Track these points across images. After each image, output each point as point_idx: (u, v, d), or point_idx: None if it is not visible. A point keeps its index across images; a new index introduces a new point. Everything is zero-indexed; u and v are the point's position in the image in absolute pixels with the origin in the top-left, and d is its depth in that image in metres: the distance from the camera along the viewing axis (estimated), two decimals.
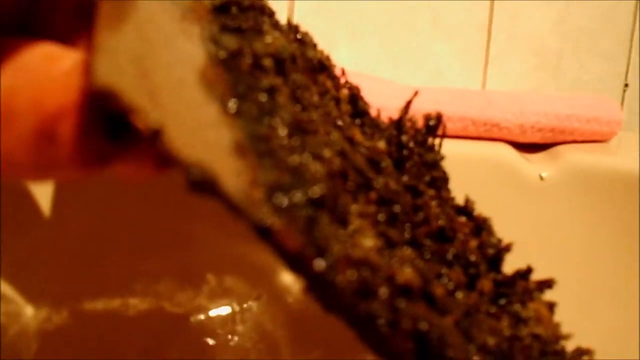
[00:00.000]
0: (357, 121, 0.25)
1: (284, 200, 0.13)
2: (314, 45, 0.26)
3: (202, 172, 0.11)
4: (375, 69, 0.57)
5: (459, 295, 0.18)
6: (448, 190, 0.25)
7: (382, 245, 0.16)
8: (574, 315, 0.25)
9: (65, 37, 0.17)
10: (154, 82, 0.13)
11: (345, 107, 0.25)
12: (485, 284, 0.20)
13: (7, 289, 0.29)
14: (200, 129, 0.13)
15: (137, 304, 0.33)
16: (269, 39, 0.19)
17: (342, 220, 0.14)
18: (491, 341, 0.16)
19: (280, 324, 0.38)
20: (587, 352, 0.21)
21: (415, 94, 0.27)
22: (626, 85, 0.68)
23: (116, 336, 0.32)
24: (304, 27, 0.26)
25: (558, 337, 0.20)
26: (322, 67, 0.25)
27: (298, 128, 0.16)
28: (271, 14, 0.23)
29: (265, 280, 0.39)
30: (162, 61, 0.14)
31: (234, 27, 0.18)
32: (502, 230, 0.24)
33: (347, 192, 0.17)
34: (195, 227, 0.37)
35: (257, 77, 0.17)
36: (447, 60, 0.59)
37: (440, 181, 0.25)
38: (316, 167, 0.15)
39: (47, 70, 0.14)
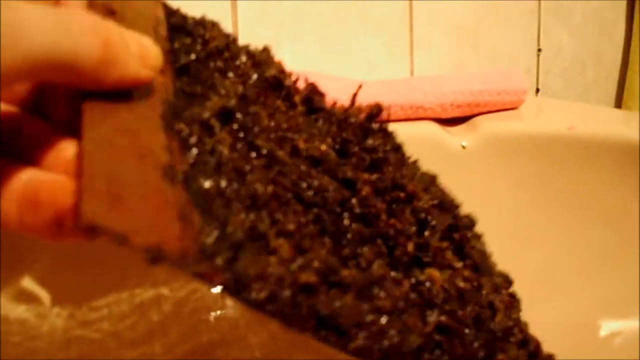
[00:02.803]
0: (313, 117, 0.28)
1: (210, 251, 0.18)
2: (271, 62, 0.28)
3: (156, 254, 0.17)
4: (317, 67, 0.61)
5: (375, 266, 0.23)
6: (396, 168, 0.28)
7: (295, 255, 0.20)
8: (505, 266, 0.30)
9: (66, 123, 0.22)
10: (123, 196, 0.17)
11: (300, 109, 0.28)
12: (403, 251, 0.25)
13: (36, 292, 0.35)
14: (155, 212, 0.18)
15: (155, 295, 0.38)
16: (215, 99, 0.23)
17: (260, 247, 0.19)
18: (387, 303, 0.21)
19: None
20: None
21: (359, 87, 0.31)
22: (539, 50, 0.76)
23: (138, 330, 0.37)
24: (258, 44, 0.29)
25: (447, 297, 0.24)
26: (277, 82, 0.27)
27: (236, 175, 0.21)
28: (231, 55, 0.26)
29: None
30: (130, 170, 0.18)
31: (188, 92, 0.23)
32: None
33: (278, 210, 0.21)
34: None
35: (205, 142, 0.21)
36: (376, 52, 0.65)
37: (383, 161, 0.28)
38: (241, 217, 0.19)
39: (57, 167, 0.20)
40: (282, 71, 0.28)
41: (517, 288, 0.30)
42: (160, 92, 0.21)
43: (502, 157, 0.51)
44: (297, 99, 0.28)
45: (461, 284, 0.26)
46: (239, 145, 0.22)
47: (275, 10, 0.59)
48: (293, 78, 0.29)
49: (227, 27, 0.28)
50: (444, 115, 0.53)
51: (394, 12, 0.64)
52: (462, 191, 0.50)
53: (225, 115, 0.23)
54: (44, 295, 0.36)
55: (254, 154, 0.23)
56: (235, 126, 0.23)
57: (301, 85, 0.29)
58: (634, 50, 0.81)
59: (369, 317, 0.20)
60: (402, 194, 0.27)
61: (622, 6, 0.84)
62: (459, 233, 0.28)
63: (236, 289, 0.18)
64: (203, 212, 0.19)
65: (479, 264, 0.28)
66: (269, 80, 0.27)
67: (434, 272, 0.25)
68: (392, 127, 0.31)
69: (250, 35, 0.57)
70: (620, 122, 0.57)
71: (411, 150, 0.31)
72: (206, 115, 0.22)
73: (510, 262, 0.30)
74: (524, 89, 0.55)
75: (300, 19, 0.60)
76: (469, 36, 0.70)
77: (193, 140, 0.21)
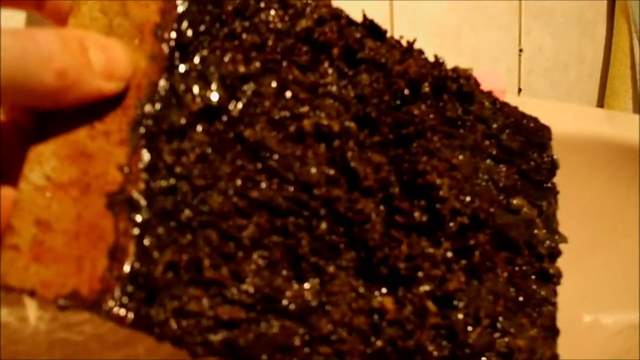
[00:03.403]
0: (351, 73, 0.25)
1: (126, 300, 0.19)
2: (308, 10, 0.24)
3: (68, 303, 0.18)
4: None
5: (337, 282, 0.23)
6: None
7: (229, 283, 0.21)
8: None
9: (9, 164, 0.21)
10: (48, 243, 0.18)
11: (337, 65, 0.25)
12: (387, 267, 0.24)
13: (18, 295, 0.35)
14: (83, 253, 0.19)
15: None
16: (197, 101, 0.21)
17: (190, 280, 0.20)
18: (328, 327, 0.22)
19: None
20: None
21: (414, 40, 0.28)
22: (521, 50, 0.76)
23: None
24: None
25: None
26: (308, 37, 0.24)
27: (189, 194, 0.21)
28: (252, 11, 0.23)
29: None
30: (67, 208, 0.19)
31: (170, 90, 0.21)
32: None
33: (227, 228, 0.21)
34: None
35: (164, 158, 0.20)
36: None
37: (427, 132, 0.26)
38: (167, 257, 0.20)
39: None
40: (320, 19, 0.24)
41: None
42: (136, 95, 0.20)
43: None
44: (335, 51, 0.25)
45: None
46: (219, 142, 0.21)
47: None
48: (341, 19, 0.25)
49: None
50: None
51: (375, 13, 0.64)
52: None
53: (209, 114, 0.21)
54: (26, 298, 0.36)
55: (238, 148, 0.22)
56: (221, 121, 0.22)
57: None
58: (616, 50, 0.82)
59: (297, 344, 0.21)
60: (420, 180, 0.25)
61: (603, 6, 0.85)
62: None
63: (149, 330, 0.19)
64: (139, 241, 0.19)
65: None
66: (299, 35, 0.24)
67: (388, 301, 0.24)
68: None
69: None
70: (602, 121, 0.58)
71: None
72: (182, 121, 0.21)
73: None
74: (503, 89, 0.55)
75: None
76: (451, 37, 0.70)
77: (155, 154, 0.20)
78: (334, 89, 0.24)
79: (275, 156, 0.22)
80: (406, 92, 0.25)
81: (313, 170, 0.23)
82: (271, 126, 0.23)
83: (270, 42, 0.23)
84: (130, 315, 0.19)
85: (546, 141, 0.30)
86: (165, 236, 0.20)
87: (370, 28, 0.26)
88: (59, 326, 0.34)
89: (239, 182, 0.21)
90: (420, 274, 0.24)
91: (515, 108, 0.29)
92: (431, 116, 0.26)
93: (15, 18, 0.41)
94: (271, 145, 0.22)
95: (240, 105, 0.22)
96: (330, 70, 0.24)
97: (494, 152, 0.28)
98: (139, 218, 0.19)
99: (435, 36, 0.69)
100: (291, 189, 0.22)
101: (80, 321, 0.35)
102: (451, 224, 0.25)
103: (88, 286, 0.18)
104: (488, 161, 0.28)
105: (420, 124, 0.25)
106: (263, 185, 0.22)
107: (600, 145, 0.51)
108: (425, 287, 0.24)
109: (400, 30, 0.66)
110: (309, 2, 0.24)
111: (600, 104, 0.86)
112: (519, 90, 0.77)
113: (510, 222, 0.27)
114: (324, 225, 0.23)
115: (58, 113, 0.19)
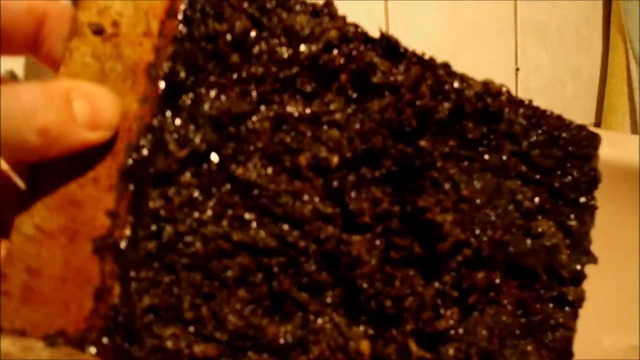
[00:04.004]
0: (358, 97, 0.23)
1: (106, 340, 0.20)
2: (314, 33, 0.23)
3: (55, 340, 0.20)
4: None
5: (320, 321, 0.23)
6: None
7: (197, 330, 0.21)
8: None
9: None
10: (38, 287, 0.20)
11: (347, 92, 0.23)
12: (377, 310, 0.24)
13: None
14: (70, 295, 0.20)
15: None
16: (183, 150, 0.21)
17: (170, 320, 0.21)
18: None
19: None
20: None
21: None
22: (517, 69, 0.76)
23: None
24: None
25: None
26: (314, 63, 0.23)
27: (173, 236, 0.21)
28: (252, 39, 0.22)
29: None
30: (55, 255, 0.20)
31: (162, 135, 0.21)
32: None
33: (211, 268, 0.21)
34: None
35: (148, 204, 0.21)
36: None
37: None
38: (146, 301, 0.20)
39: None
40: (328, 44, 0.23)
41: None
42: (126, 140, 0.21)
43: None
44: (343, 77, 0.23)
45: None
46: (208, 183, 0.21)
47: None
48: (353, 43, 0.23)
49: None
50: None
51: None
52: None
53: (197, 158, 0.21)
54: None
55: (227, 187, 0.22)
56: (210, 162, 0.21)
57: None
58: (612, 66, 0.82)
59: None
60: (421, 217, 0.24)
61: (598, 21, 0.85)
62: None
63: None
64: (123, 283, 0.20)
65: None
66: (303, 63, 0.23)
67: (364, 345, 0.23)
68: None
69: None
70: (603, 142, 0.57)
71: None
72: (168, 167, 0.21)
73: None
74: None
75: None
76: (447, 57, 0.69)
77: (141, 199, 0.21)
78: (339, 116, 0.23)
79: (267, 193, 0.22)
80: (414, 123, 0.24)
81: (306, 207, 0.22)
82: (266, 162, 0.22)
83: (271, 73, 0.22)
84: (112, 352, 0.20)
85: (591, 152, 0.28)
86: (149, 278, 0.21)
87: (387, 47, 0.24)
88: (61, 355, 0.34)
89: (225, 222, 0.21)
90: (406, 313, 0.23)
91: (559, 117, 0.27)
92: (448, 143, 0.25)
93: (16, 60, 0.41)
94: (263, 183, 0.22)
95: (232, 143, 0.22)
96: (337, 97, 0.23)
97: (523, 170, 0.26)
98: (124, 261, 0.20)
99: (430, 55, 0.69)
100: (282, 226, 0.22)
101: None
102: (453, 259, 0.24)
103: (74, 326, 0.20)
104: (513, 181, 0.26)
105: (428, 156, 0.24)
106: (253, 224, 0.22)
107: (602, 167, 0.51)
108: (410, 326, 0.23)
109: None
110: (317, 25, 0.23)
111: (598, 120, 0.86)
112: None
113: (528, 250, 0.26)
114: (312, 263, 0.22)
115: (48, 163, 0.20)
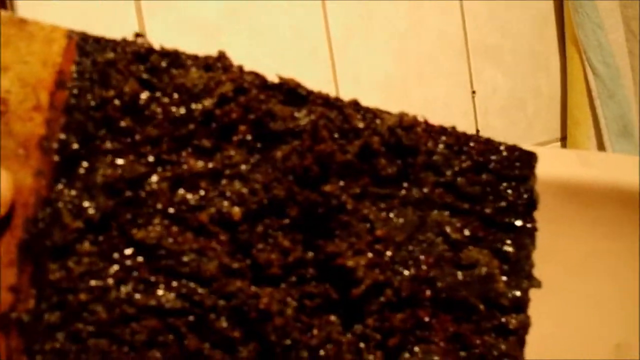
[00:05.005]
0: (261, 146, 0.23)
1: None
2: (208, 88, 0.23)
3: None
4: None
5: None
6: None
7: None
8: None
9: None
10: None
11: (248, 143, 0.23)
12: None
13: None
14: None
15: None
16: (77, 222, 0.22)
17: None
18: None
19: None
20: None
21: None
22: (473, 92, 0.75)
23: None
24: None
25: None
26: (208, 118, 0.23)
27: (70, 308, 0.21)
28: (142, 104, 0.22)
29: None
30: None
31: (58, 206, 0.22)
32: None
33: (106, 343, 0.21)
34: None
35: (48, 274, 0.21)
36: None
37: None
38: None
39: None
40: (222, 98, 0.23)
41: None
42: (23, 215, 0.21)
43: None
44: (242, 129, 0.23)
45: None
46: (109, 249, 0.22)
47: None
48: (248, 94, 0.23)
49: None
50: None
51: (317, 75, 0.64)
52: None
53: (93, 227, 0.21)
54: None
55: (129, 251, 0.22)
56: (109, 228, 0.22)
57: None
58: (571, 78, 0.82)
59: None
60: (331, 263, 0.23)
61: (553, 36, 0.84)
62: None
63: None
64: (29, 356, 0.20)
65: None
66: (198, 120, 0.23)
67: None
68: None
69: None
70: (565, 161, 0.56)
71: None
72: (64, 238, 0.21)
73: None
74: None
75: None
76: (398, 89, 0.69)
77: (41, 272, 0.21)
78: (243, 168, 0.23)
79: (171, 253, 0.22)
80: (315, 168, 0.24)
81: (212, 263, 0.22)
82: (169, 222, 0.22)
83: (167, 133, 0.22)
84: None
85: (527, 172, 0.27)
86: (56, 349, 0.20)
87: (287, 92, 0.24)
88: None
89: (129, 287, 0.22)
90: None
91: (487, 140, 0.26)
92: (359, 183, 0.24)
93: None
94: (166, 244, 0.22)
95: (131, 208, 0.22)
96: (238, 150, 0.23)
97: (449, 201, 0.26)
98: (29, 335, 0.20)
99: (382, 90, 0.68)
100: (188, 285, 0.22)
101: None
102: (374, 301, 0.24)
103: None
104: (439, 213, 0.26)
105: (335, 199, 0.24)
106: (160, 285, 0.22)
107: (566, 187, 0.50)
108: None
109: (345, 87, 0.65)
110: (210, 79, 0.23)
111: (564, 134, 0.85)
112: (477, 132, 0.76)
113: (458, 282, 0.25)
114: (222, 320, 0.22)
115: None
